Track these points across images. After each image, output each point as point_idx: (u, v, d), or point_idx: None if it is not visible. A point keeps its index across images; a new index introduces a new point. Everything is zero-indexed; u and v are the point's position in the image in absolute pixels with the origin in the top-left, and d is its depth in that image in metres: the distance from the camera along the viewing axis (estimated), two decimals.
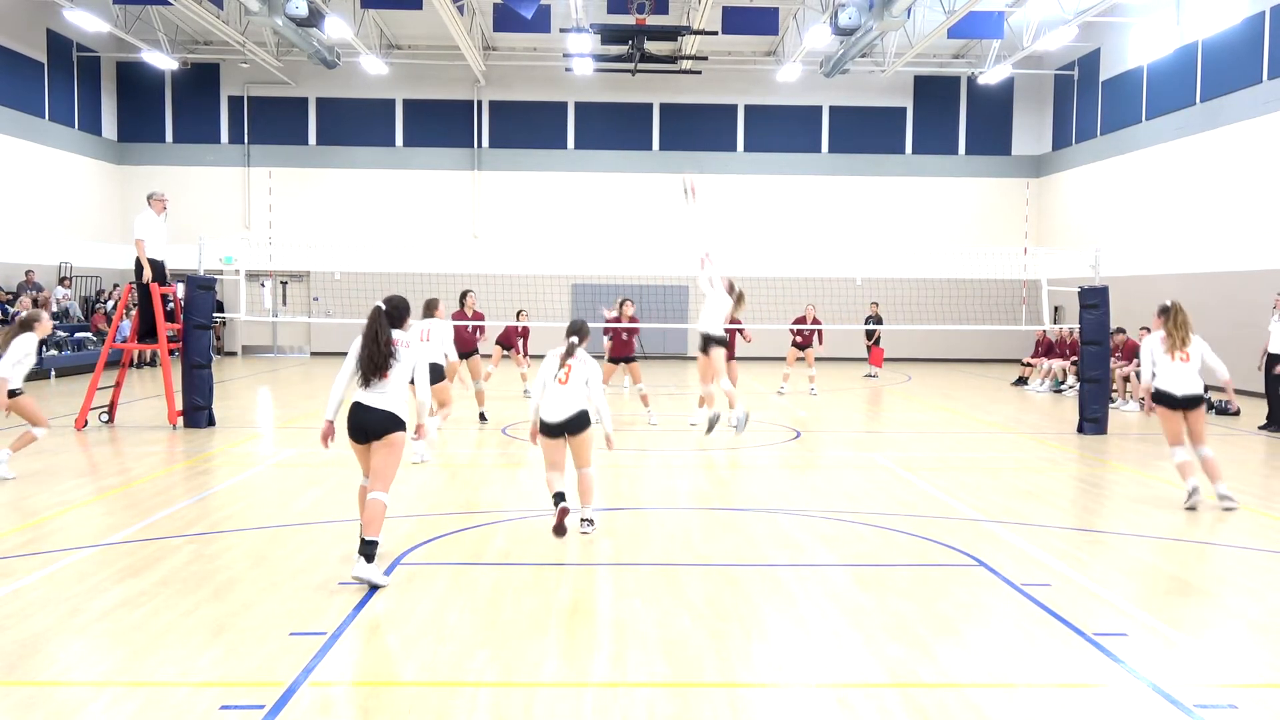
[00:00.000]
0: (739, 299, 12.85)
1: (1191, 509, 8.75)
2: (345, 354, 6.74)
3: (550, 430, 7.45)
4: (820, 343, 19.55)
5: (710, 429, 12.18)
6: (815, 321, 19.49)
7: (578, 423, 7.42)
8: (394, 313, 6.64)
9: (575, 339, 7.58)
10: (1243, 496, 9.46)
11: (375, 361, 6.45)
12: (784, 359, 19.57)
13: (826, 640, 5.37)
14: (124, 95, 28.19)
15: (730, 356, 13.74)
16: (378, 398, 6.47)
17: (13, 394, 9.99)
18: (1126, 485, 10.20)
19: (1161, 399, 9.05)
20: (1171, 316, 9.12)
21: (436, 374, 11.49)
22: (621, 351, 14.92)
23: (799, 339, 19.32)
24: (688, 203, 14.08)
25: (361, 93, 28.10)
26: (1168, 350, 9.00)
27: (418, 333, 11.26)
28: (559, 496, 7.35)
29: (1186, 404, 8.95)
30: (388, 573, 6.46)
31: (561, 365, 7.46)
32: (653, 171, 28.72)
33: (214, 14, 22.46)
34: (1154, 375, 9.11)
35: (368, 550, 6.22)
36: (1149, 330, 10.17)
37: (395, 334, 6.58)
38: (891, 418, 16.20)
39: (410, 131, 28.65)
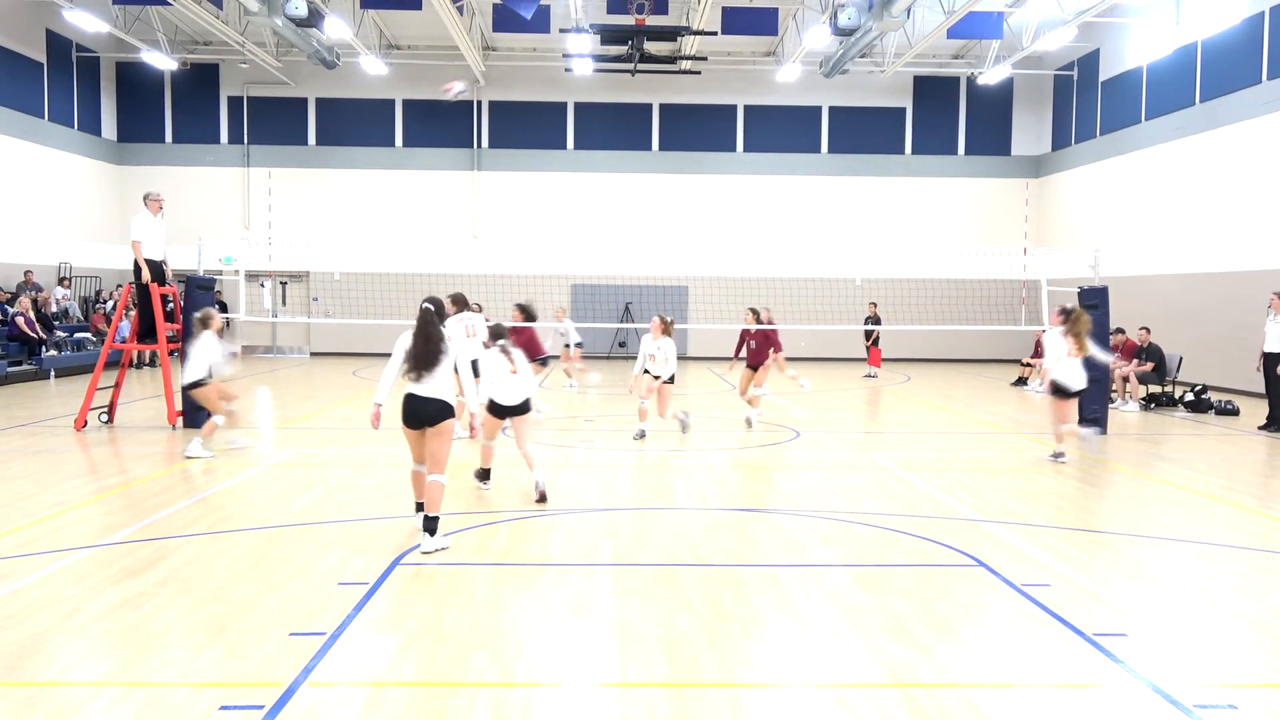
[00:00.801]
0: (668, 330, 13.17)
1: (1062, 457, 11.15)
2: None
3: (501, 411, 9.01)
4: (778, 350, 19.08)
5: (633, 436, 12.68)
6: (770, 324, 19.08)
7: (524, 406, 9.01)
8: (441, 312, 7.51)
9: (504, 341, 9.18)
10: (1242, 497, 9.49)
11: (427, 357, 7.19)
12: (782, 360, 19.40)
13: (826, 640, 5.37)
14: (123, 95, 28.19)
15: (763, 362, 14.49)
16: (428, 388, 7.21)
17: (198, 385, 11.49)
18: (1126, 485, 10.20)
19: (1060, 390, 11.15)
20: (1076, 319, 11.06)
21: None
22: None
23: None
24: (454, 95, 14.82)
25: (361, 93, 28.11)
26: (1070, 349, 10.99)
27: (462, 328, 12.07)
28: (485, 474, 9.27)
29: (1079, 394, 11.19)
30: (387, 574, 6.48)
31: (509, 361, 9.00)
32: (652, 172, 28.75)
33: (213, 14, 22.47)
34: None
35: (430, 525, 7.09)
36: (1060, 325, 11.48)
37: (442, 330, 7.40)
38: (891, 418, 16.20)
39: (410, 132, 28.66)
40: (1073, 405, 11.40)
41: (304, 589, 6.15)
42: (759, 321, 14.61)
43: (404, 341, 7.27)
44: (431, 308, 7.40)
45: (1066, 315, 11.21)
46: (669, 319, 13.05)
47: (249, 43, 24.78)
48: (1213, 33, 20.56)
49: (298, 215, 28.41)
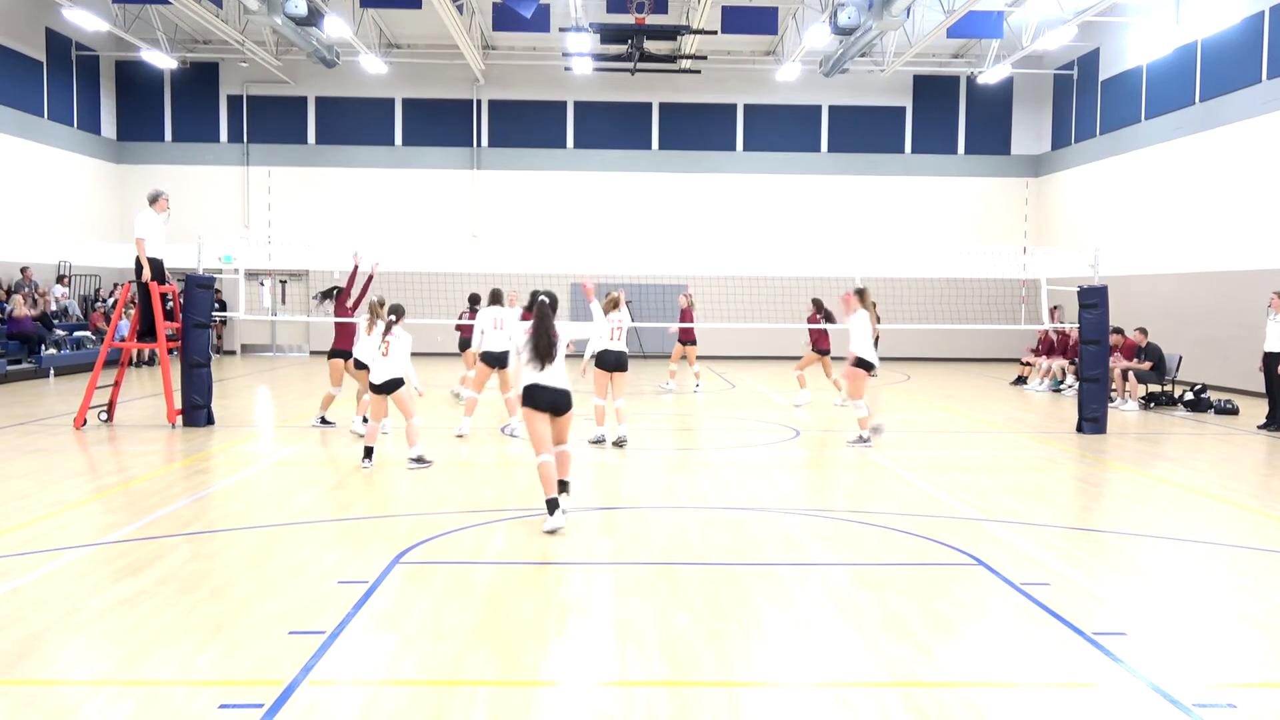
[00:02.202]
0: (614, 305, 12.11)
1: (868, 439, 11.99)
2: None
3: (377, 389, 10.29)
4: (694, 343, 18.44)
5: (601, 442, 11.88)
6: (691, 314, 18.48)
7: (393, 384, 10.24)
8: (555, 305, 8.06)
9: (393, 318, 10.30)
10: (1242, 496, 9.49)
11: (544, 346, 7.81)
12: (780, 359, 19.47)
13: (825, 639, 5.37)
14: (123, 94, 28.17)
15: (822, 350, 16.48)
16: (553, 378, 7.86)
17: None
18: (1125, 484, 10.20)
19: (865, 365, 12.02)
20: (869, 298, 12.16)
21: (505, 360, 12.23)
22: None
23: (681, 335, 18.42)
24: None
25: (361, 92, 28.09)
26: (871, 325, 12.05)
27: (491, 321, 12.50)
28: (369, 451, 10.38)
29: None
30: (386, 572, 6.48)
31: (382, 340, 10.18)
32: (652, 171, 28.74)
33: (213, 13, 22.45)
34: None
35: (565, 488, 8.04)
36: (860, 308, 12.33)
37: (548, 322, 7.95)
38: (891, 417, 16.18)
39: (410, 131, 28.65)
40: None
41: (303, 587, 6.15)
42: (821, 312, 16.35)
43: (522, 335, 7.97)
44: (547, 300, 8.01)
45: (862, 295, 12.21)
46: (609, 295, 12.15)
47: (249, 41, 24.76)
48: (1212, 32, 20.55)
49: (297, 214, 28.40)
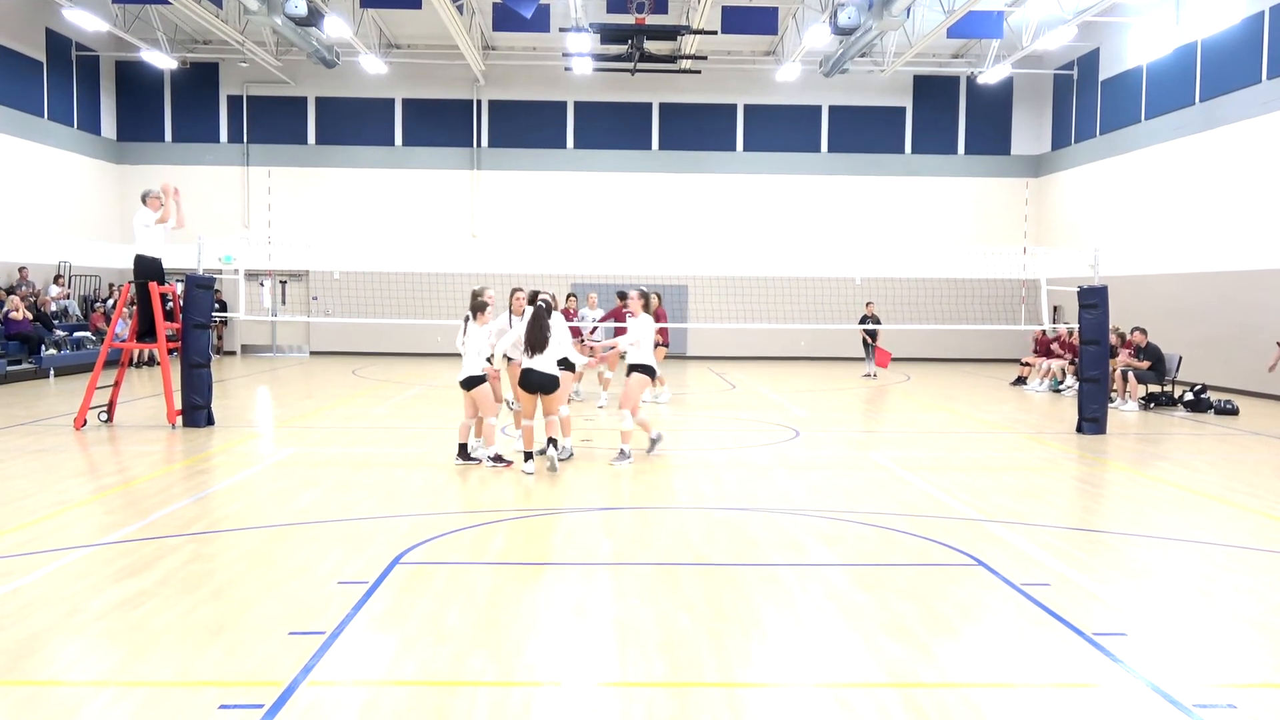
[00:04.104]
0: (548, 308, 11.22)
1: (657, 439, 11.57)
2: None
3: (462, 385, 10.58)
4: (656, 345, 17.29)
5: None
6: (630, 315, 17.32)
7: (471, 381, 10.32)
8: (549, 306, 9.94)
9: (469, 314, 10.49)
10: (1242, 496, 9.49)
11: (537, 339, 9.68)
12: (781, 360, 19.38)
13: (826, 640, 5.37)
14: (123, 94, 28.18)
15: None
16: (541, 363, 9.76)
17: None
18: (1125, 485, 10.21)
19: (648, 370, 11.24)
20: (652, 303, 11.73)
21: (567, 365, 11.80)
22: None
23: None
24: None
25: (361, 92, 28.10)
26: (658, 331, 11.79)
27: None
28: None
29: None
30: (386, 573, 6.48)
31: (462, 338, 10.44)
32: (652, 171, 28.74)
33: (213, 13, 22.46)
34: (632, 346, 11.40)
35: (552, 443, 9.90)
36: (631, 311, 11.72)
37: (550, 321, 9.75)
38: (891, 417, 16.19)
39: (409, 131, 28.65)
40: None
41: (303, 588, 6.15)
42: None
43: (517, 327, 9.89)
44: (544, 305, 9.77)
45: (647, 300, 11.53)
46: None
47: (249, 41, 24.77)
48: (1212, 32, 20.56)
49: (297, 214, 28.41)
